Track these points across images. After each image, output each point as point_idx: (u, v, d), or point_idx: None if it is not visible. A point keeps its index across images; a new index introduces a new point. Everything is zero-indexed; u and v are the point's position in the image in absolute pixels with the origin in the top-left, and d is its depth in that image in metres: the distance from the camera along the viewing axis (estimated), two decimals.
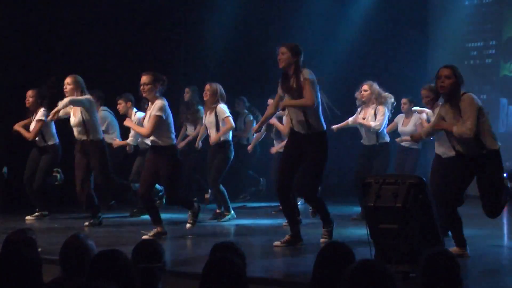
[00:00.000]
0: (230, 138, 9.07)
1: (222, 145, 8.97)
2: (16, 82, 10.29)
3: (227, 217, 9.06)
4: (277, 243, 6.96)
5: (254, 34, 12.81)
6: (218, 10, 12.53)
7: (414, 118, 9.64)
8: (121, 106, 9.86)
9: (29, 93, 9.31)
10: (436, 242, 5.37)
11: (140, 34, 11.88)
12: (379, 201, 5.41)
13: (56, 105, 8.49)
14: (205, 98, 9.08)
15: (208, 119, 9.02)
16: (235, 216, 9.12)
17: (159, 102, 7.53)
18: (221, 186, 9.04)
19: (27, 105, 9.32)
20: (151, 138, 7.62)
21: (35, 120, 9.24)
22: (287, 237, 7.00)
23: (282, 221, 8.88)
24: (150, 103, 7.68)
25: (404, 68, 12.13)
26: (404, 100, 9.71)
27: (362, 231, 6.80)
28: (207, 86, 9.04)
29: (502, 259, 6.54)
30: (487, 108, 7.80)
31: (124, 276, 3.27)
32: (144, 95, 7.68)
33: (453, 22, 13.04)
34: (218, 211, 9.23)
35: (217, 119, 8.92)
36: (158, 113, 7.47)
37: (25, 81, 9.91)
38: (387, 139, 9.13)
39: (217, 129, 8.93)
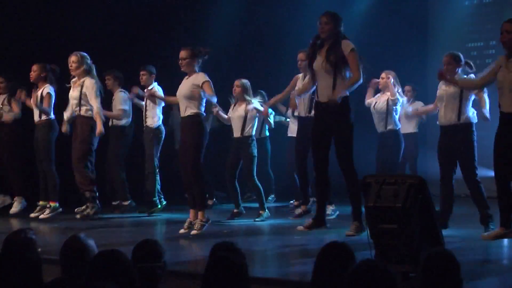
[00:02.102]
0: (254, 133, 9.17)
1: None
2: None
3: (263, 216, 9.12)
4: (300, 227, 6.95)
5: (254, 33, 12.81)
6: (221, 8, 12.54)
7: (416, 104, 10.25)
8: (109, 82, 10.01)
9: (33, 67, 9.32)
10: (436, 242, 5.37)
11: (143, 30, 11.89)
12: (379, 201, 5.41)
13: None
14: (234, 94, 9.19)
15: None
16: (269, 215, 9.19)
17: (202, 74, 7.57)
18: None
19: (31, 79, 9.33)
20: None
21: (41, 94, 9.20)
22: (310, 220, 6.98)
23: (283, 221, 8.89)
24: (188, 76, 7.67)
25: (404, 68, 12.10)
26: (407, 88, 9.93)
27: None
28: (237, 82, 9.16)
29: (503, 259, 6.54)
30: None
31: (124, 276, 3.27)
32: (182, 69, 7.68)
33: (453, 22, 13.03)
34: (235, 210, 9.23)
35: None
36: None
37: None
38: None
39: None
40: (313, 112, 7.47)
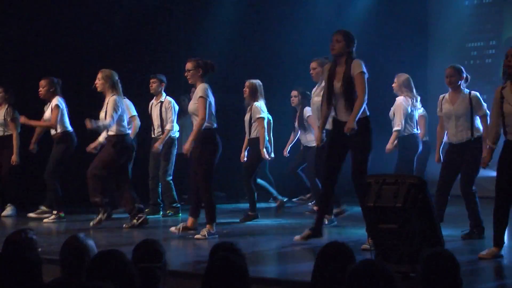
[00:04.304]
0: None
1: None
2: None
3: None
4: (297, 237, 6.92)
5: (254, 35, 12.80)
6: (219, 11, 12.54)
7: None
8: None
9: (41, 82, 9.29)
10: (436, 242, 5.37)
11: (141, 33, 11.89)
12: (379, 201, 5.41)
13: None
14: (244, 96, 9.18)
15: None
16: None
17: (201, 87, 7.59)
18: (253, 185, 9.16)
19: (40, 95, 9.28)
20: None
21: (51, 107, 9.20)
22: (308, 231, 6.92)
23: (283, 221, 8.89)
24: (195, 88, 7.76)
25: (404, 68, 12.09)
26: None
27: (362, 231, 6.81)
28: (246, 83, 9.12)
29: (502, 259, 6.53)
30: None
31: (124, 276, 3.27)
32: (189, 81, 7.76)
33: (453, 22, 13.03)
34: (250, 213, 9.20)
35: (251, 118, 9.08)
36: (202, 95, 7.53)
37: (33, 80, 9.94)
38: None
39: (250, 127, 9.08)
40: None
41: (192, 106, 7.66)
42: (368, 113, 6.83)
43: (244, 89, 9.14)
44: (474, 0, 13.22)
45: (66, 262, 3.76)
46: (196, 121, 7.58)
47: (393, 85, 9.09)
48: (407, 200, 5.30)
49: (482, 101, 7.58)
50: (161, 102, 9.77)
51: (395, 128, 8.86)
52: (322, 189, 7.05)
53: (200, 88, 7.60)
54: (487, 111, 7.48)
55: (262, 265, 6.11)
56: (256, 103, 9.03)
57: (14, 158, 9.60)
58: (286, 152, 10.61)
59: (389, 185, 5.42)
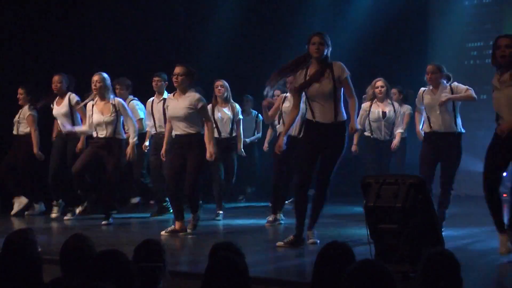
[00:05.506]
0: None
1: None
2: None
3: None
4: (280, 243, 6.92)
5: (254, 35, 12.81)
6: (220, 9, 12.54)
7: (403, 108, 9.94)
8: (116, 91, 9.90)
9: (55, 78, 9.26)
10: (436, 242, 5.37)
11: (141, 33, 11.89)
12: (379, 201, 5.41)
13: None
14: (218, 94, 9.18)
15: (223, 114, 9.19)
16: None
17: (198, 97, 7.68)
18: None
19: (55, 91, 9.25)
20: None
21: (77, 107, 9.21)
22: (291, 237, 6.95)
23: (283, 221, 8.88)
24: (180, 93, 7.73)
25: (404, 68, 12.12)
26: (394, 90, 9.89)
27: (362, 231, 6.81)
28: (220, 82, 9.18)
29: (502, 259, 6.53)
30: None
31: (124, 276, 3.27)
32: (175, 85, 7.74)
33: (453, 22, 13.04)
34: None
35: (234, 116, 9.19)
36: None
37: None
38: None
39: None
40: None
41: (180, 111, 7.65)
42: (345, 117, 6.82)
43: (219, 89, 9.16)
44: (474, 0, 13.23)
45: (66, 262, 3.77)
46: (186, 124, 7.64)
47: (381, 89, 9.16)
48: (407, 200, 5.30)
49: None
50: (164, 100, 9.76)
51: (400, 130, 9.24)
52: (300, 196, 6.96)
53: (198, 98, 7.67)
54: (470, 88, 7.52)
55: (261, 265, 6.11)
56: (236, 104, 9.24)
57: (35, 151, 9.52)
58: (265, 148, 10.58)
59: (389, 185, 5.42)
